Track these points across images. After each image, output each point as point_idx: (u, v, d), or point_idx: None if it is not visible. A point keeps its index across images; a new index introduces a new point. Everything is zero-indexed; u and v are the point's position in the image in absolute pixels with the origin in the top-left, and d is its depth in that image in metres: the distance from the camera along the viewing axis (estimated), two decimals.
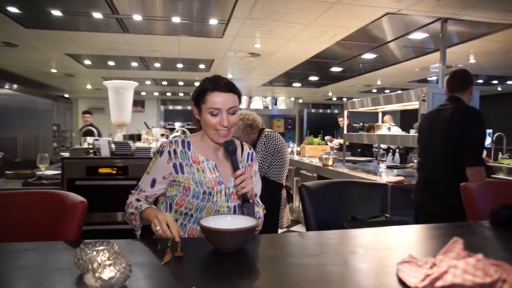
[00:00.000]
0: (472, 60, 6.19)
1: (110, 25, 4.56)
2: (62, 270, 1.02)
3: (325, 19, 4.15)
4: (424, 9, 3.75)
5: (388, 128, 4.41)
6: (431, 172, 2.52)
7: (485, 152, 3.68)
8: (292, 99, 13.70)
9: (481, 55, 5.85)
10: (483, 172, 2.33)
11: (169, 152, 1.48)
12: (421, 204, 2.60)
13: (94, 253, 0.89)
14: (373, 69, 7.26)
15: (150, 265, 1.08)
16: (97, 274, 0.84)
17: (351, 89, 10.42)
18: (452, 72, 2.63)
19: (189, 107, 12.72)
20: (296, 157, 5.70)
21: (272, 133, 2.97)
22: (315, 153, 5.69)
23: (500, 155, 4.37)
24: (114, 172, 3.82)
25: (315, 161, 4.91)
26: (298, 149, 6.22)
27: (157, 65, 7.19)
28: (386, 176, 3.64)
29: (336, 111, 13.66)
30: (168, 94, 12.23)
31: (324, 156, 4.57)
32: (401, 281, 0.94)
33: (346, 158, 4.92)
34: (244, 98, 12.32)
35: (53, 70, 7.82)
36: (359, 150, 6.70)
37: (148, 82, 9.52)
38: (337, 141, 6.57)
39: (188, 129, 5.47)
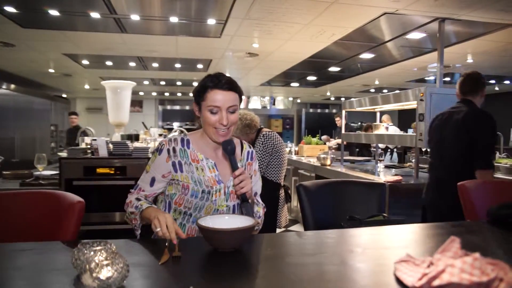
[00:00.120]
0: (469, 60, 6.21)
1: (107, 25, 4.55)
2: (59, 270, 1.02)
3: (323, 19, 4.16)
4: (422, 9, 3.76)
5: (386, 128, 4.42)
6: (442, 173, 2.55)
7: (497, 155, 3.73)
8: (290, 99, 13.71)
9: (478, 55, 5.86)
10: (492, 176, 2.39)
11: (168, 150, 1.46)
12: (431, 204, 2.65)
13: (92, 253, 0.89)
14: (371, 69, 7.27)
15: (147, 265, 1.08)
16: (94, 274, 0.84)
17: (349, 89, 10.43)
18: (465, 74, 2.66)
19: (187, 107, 12.72)
20: (294, 157, 5.70)
21: (270, 133, 2.97)
22: (313, 152, 5.69)
23: (497, 154, 4.38)
24: (112, 172, 3.82)
25: (313, 161, 4.92)
26: (296, 148, 6.23)
27: (155, 65, 7.18)
28: (384, 176, 3.64)
29: (334, 110, 13.68)
30: (166, 94, 12.21)
31: (322, 156, 4.58)
32: (398, 280, 0.94)
33: (344, 157, 4.93)
34: (243, 98, 12.33)
35: (51, 70, 7.79)
36: (357, 149, 6.71)
37: (146, 82, 9.51)
38: (335, 141, 6.58)
39: (186, 129, 5.47)
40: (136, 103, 12.95)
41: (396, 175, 3.63)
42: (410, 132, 6.48)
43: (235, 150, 1.44)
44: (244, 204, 1.38)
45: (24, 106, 7.91)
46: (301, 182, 1.99)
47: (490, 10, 3.74)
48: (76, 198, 1.52)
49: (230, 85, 1.41)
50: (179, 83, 9.44)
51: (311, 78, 8.43)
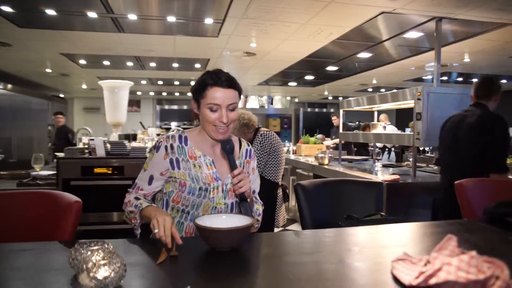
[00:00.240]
0: (466, 59, 6.22)
1: (105, 25, 4.54)
2: (56, 270, 1.02)
3: (320, 18, 4.16)
4: (419, 8, 3.77)
5: (383, 127, 4.42)
6: (456, 174, 2.58)
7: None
8: (288, 98, 13.72)
9: (475, 54, 5.88)
10: (506, 178, 2.42)
11: (165, 147, 1.44)
12: (443, 204, 2.71)
13: (89, 253, 0.89)
14: (368, 68, 7.28)
15: (145, 264, 1.08)
16: (91, 274, 0.84)
17: (347, 88, 10.44)
18: (481, 78, 2.74)
19: (185, 107, 12.70)
20: (292, 156, 5.70)
21: (268, 132, 2.97)
22: (311, 152, 5.69)
23: None
24: (110, 172, 3.81)
25: (311, 160, 4.92)
26: (294, 148, 6.23)
27: (153, 64, 7.17)
28: (381, 175, 3.65)
29: (332, 110, 13.71)
30: (164, 93, 12.19)
31: (320, 155, 4.58)
32: (395, 279, 0.94)
33: (342, 157, 4.94)
34: (241, 97, 12.35)
35: (48, 70, 7.77)
36: (355, 149, 6.72)
37: (143, 82, 9.49)
38: (332, 141, 6.58)
39: (184, 128, 5.46)
40: (134, 102, 12.94)
41: (393, 174, 3.63)
42: (408, 131, 6.51)
43: (234, 149, 1.43)
44: (243, 204, 1.38)
45: (21, 106, 7.89)
46: (299, 181, 1.99)
47: (487, 9, 3.75)
48: (73, 198, 1.51)
49: (230, 82, 1.39)
50: (176, 82, 9.43)
51: (309, 77, 8.44)
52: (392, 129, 6.60)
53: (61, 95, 12.12)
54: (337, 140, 5.86)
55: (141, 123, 7.13)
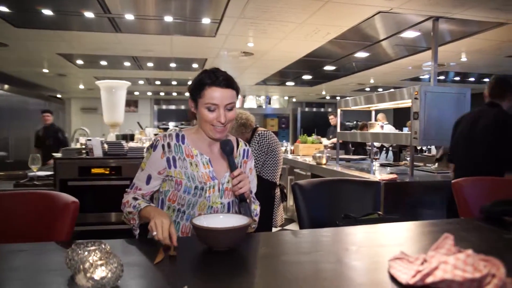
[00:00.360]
0: (463, 59, 6.24)
1: (102, 25, 4.53)
2: (53, 270, 1.02)
3: (317, 17, 4.16)
4: (416, 7, 3.78)
5: (381, 126, 4.43)
6: (469, 174, 2.59)
7: None
8: (286, 98, 13.71)
9: (472, 53, 5.90)
10: None
11: (163, 146, 1.44)
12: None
13: (86, 253, 0.89)
14: (366, 68, 7.29)
15: (142, 265, 1.08)
16: (88, 274, 0.84)
17: (345, 88, 10.45)
18: (496, 78, 2.73)
19: (182, 107, 12.68)
20: (290, 156, 5.71)
21: (265, 132, 2.97)
22: (308, 151, 5.70)
23: None
24: (107, 172, 3.80)
25: (309, 160, 4.92)
26: (292, 147, 6.23)
27: (150, 64, 7.16)
28: (379, 174, 3.65)
29: (329, 109, 13.71)
30: (162, 93, 12.17)
31: (318, 155, 4.58)
32: (392, 278, 0.94)
33: (340, 156, 4.94)
34: (238, 97, 12.38)
35: (45, 70, 7.74)
36: (353, 148, 6.73)
37: (141, 82, 9.47)
38: (330, 141, 6.59)
39: (181, 129, 5.45)
40: (131, 103, 12.91)
41: (391, 173, 3.64)
42: (405, 130, 6.53)
43: (233, 151, 1.43)
44: (242, 204, 1.37)
45: (18, 106, 7.87)
46: (297, 181, 1.99)
47: (483, 9, 3.76)
48: (70, 198, 1.51)
49: (228, 82, 1.39)
50: (174, 82, 9.42)
51: (307, 77, 8.44)
52: (389, 129, 6.62)
53: (58, 96, 12.09)
54: (334, 140, 5.87)
55: (138, 123, 7.11)
